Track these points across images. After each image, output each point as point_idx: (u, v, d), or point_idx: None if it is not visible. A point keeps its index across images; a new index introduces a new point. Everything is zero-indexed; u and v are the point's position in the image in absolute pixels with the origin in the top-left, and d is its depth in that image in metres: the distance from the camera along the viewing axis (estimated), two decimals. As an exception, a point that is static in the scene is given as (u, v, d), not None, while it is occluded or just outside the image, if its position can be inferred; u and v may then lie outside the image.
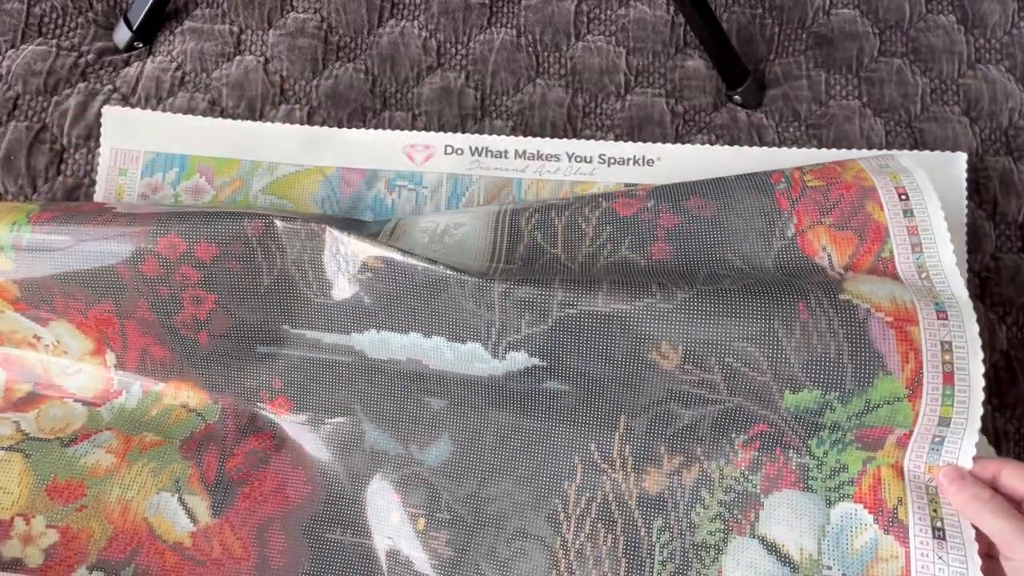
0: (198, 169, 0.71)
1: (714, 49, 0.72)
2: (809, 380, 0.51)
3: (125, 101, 0.73)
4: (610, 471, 0.54)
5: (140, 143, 0.72)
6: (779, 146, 0.71)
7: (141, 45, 0.75)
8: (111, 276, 0.60)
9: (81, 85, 0.74)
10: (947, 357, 0.50)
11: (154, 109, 0.73)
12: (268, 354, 0.61)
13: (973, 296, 0.67)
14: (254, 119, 0.73)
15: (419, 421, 0.58)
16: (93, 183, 0.71)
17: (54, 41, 0.75)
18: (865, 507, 0.49)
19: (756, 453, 0.52)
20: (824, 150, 0.71)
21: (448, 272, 0.56)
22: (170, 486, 0.59)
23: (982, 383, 0.49)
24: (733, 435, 0.53)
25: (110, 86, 0.74)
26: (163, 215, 0.60)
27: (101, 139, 0.72)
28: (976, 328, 0.50)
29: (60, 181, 0.71)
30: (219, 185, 0.70)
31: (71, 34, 0.76)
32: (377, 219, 0.69)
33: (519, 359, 0.56)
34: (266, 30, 0.76)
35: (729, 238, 0.58)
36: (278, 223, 0.58)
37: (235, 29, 0.76)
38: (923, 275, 0.54)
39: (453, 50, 0.75)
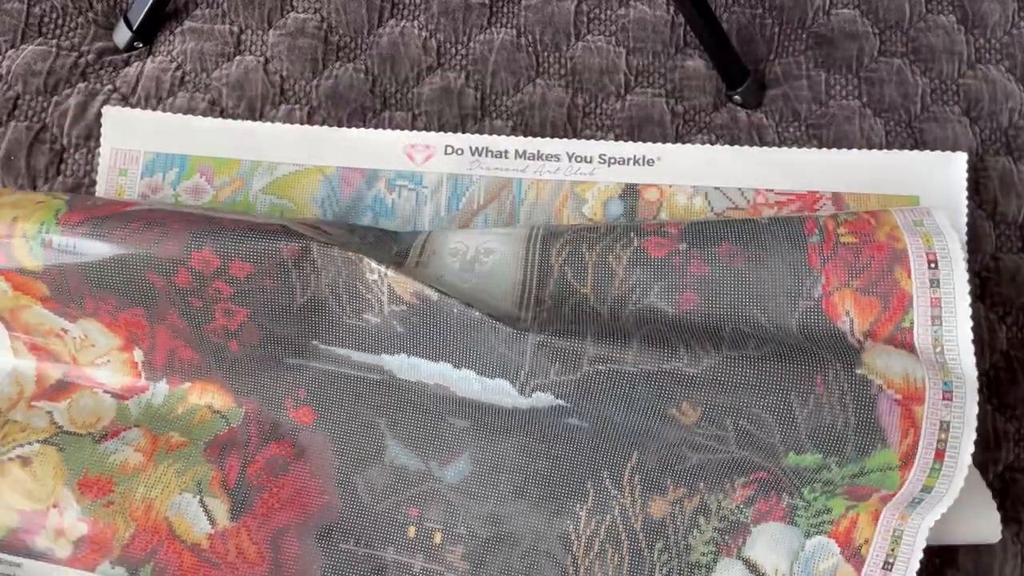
0: (198, 169, 0.71)
1: (714, 49, 0.72)
2: (813, 445, 0.56)
3: (125, 101, 0.73)
4: (619, 497, 0.58)
5: (140, 143, 0.72)
6: (779, 146, 0.71)
7: (141, 45, 0.75)
8: (143, 284, 0.60)
9: (81, 85, 0.74)
10: (943, 436, 0.54)
11: (154, 109, 0.73)
12: (296, 365, 0.62)
13: (973, 296, 0.67)
14: (254, 119, 0.73)
15: (441, 439, 0.60)
16: (93, 183, 0.71)
17: (54, 41, 0.75)
18: (837, 542, 0.54)
19: (753, 492, 0.56)
20: (824, 150, 0.71)
21: (484, 318, 0.58)
22: (192, 487, 0.60)
23: (968, 462, 0.53)
24: (735, 477, 0.57)
25: (110, 86, 0.74)
26: (196, 228, 0.59)
27: (101, 139, 0.72)
28: (975, 410, 0.55)
29: (60, 181, 0.72)
30: (219, 185, 0.70)
31: (71, 34, 0.76)
32: (384, 225, 0.69)
33: (544, 399, 0.59)
34: (266, 30, 0.76)
35: (757, 294, 0.60)
36: (314, 248, 0.59)
37: (235, 29, 0.76)
38: (937, 349, 0.57)
39: (453, 50, 0.75)
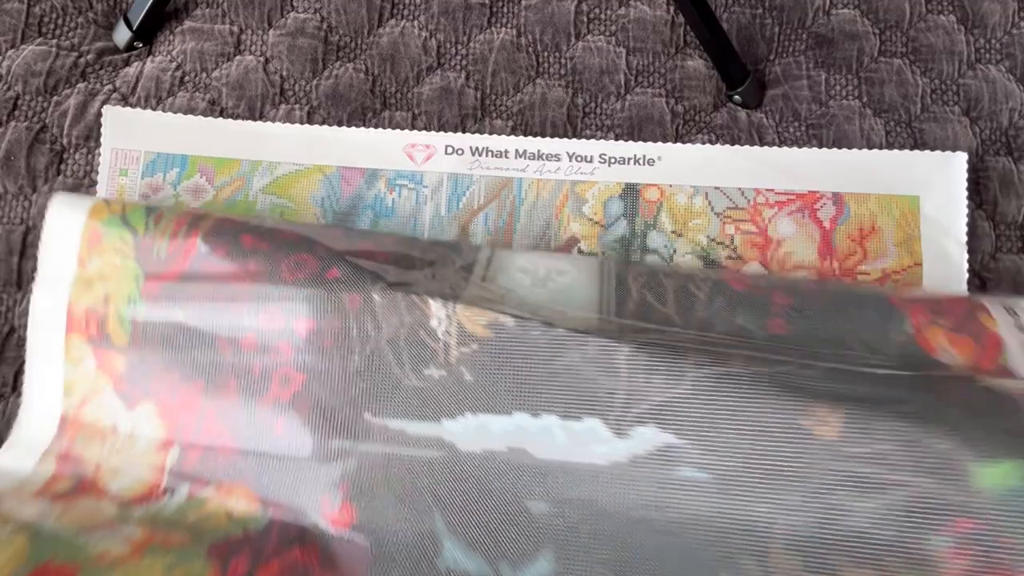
0: (199, 169, 0.71)
1: (714, 49, 0.72)
2: (998, 445, 0.45)
3: (125, 101, 0.73)
4: None
5: (141, 143, 0.72)
6: (779, 146, 0.71)
7: (141, 45, 0.75)
8: (211, 351, 0.56)
9: (81, 85, 0.74)
10: None
11: (154, 109, 0.73)
12: (341, 451, 0.53)
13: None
14: (254, 119, 0.73)
15: (515, 532, 0.49)
16: (93, 183, 0.71)
17: (54, 41, 0.75)
18: None
19: (970, 562, 0.43)
20: (824, 150, 0.71)
21: (567, 334, 0.50)
22: None
23: None
24: (932, 537, 0.44)
25: (110, 86, 0.74)
26: (261, 283, 0.55)
27: (102, 139, 0.72)
28: None
29: (60, 181, 0.71)
30: (219, 185, 0.70)
31: (71, 34, 0.76)
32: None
33: (647, 436, 0.48)
34: (266, 30, 0.76)
35: (847, 323, 0.54)
36: (376, 297, 0.53)
37: (235, 29, 0.76)
38: None
39: (453, 50, 0.75)
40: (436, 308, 0.52)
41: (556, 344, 0.50)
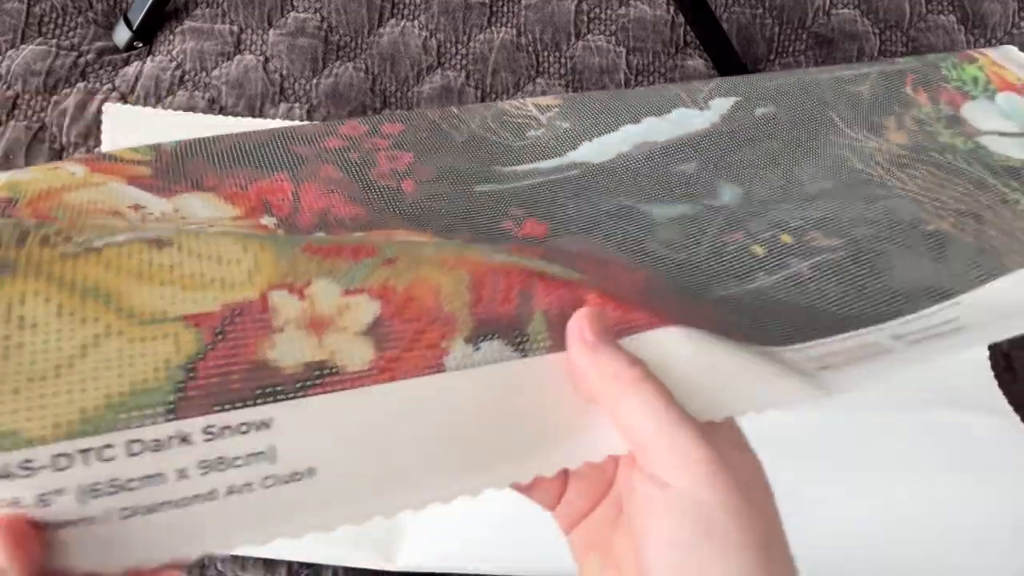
0: (198, 166, 0.71)
1: (714, 49, 0.72)
2: None
3: (124, 100, 0.73)
4: (865, 142, 0.57)
5: (140, 140, 0.71)
6: (779, 144, 0.72)
7: (141, 45, 0.75)
8: (287, 154, 0.48)
9: (80, 85, 0.74)
10: None
11: (154, 108, 0.73)
12: (489, 192, 0.51)
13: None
14: (254, 117, 0.73)
15: (687, 183, 0.55)
16: (92, 182, 0.71)
17: (54, 41, 0.75)
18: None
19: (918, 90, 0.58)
20: (825, 147, 0.71)
21: (636, 89, 0.59)
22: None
23: None
24: (903, 88, 0.58)
25: (109, 85, 0.74)
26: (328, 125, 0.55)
27: (102, 136, 0.72)
28: None
29: (59, 180, 0.71)
30: (218, 182, 0.70)
31: (71, 34, 0.76)
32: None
33: (722, 102, 0.59)
34: (266, 29, 0.76)
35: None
36: (454, 109, 0.58)
37: (235, 29, 0.76)
38: None
39: (453, 50, 0.75)
40: (504, 104, 0.57)
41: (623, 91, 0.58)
